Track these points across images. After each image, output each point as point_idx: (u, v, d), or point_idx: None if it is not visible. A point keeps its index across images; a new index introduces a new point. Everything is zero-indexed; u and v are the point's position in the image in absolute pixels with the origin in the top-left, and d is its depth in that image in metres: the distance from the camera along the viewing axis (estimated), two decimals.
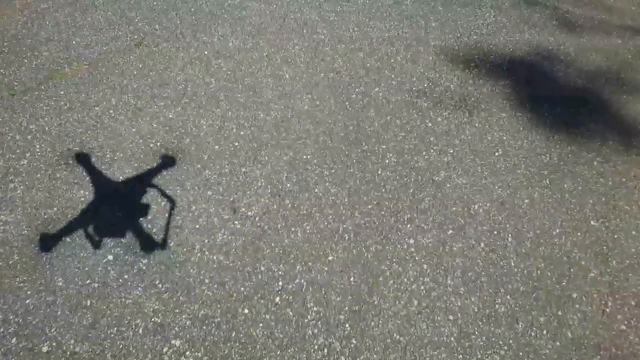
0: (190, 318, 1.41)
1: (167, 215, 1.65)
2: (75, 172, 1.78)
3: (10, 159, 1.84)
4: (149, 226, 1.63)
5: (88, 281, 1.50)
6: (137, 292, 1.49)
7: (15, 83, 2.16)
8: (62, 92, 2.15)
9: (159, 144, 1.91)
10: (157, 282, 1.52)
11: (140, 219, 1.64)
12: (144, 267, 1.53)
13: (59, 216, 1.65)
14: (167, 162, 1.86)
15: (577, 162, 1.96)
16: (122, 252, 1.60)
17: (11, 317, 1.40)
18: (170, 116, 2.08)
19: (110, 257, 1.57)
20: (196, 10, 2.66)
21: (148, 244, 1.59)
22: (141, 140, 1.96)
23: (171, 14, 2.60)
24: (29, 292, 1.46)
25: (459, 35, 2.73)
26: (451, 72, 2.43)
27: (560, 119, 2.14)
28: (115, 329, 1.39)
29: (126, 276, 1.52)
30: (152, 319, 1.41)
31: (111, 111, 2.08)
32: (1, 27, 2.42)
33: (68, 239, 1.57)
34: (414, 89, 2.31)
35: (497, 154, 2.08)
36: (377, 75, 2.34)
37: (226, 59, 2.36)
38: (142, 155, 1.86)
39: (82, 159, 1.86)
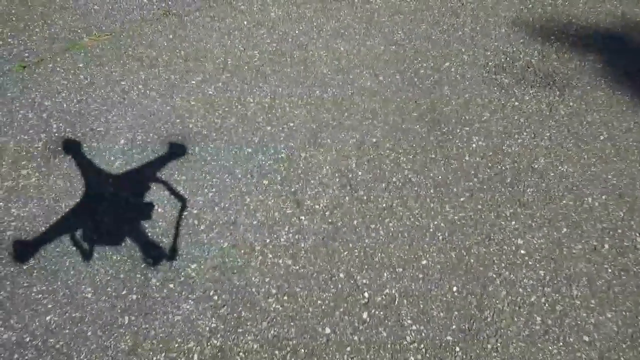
0: (258, 340, 1.10)
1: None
2: (98, 156, 1.48)
3: (22, 140, 1.53)
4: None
5: (124, 292, 1.19)
6: (188, 307, 1.17)
7: (26, 54, 1.85)
8: (81, 65, 1.83)
9: (199, 124, 1.60)
10: (211, 293, 1.20)
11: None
12: (193, 274, 1.22)
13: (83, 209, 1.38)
14: (210, 144, 1.53)
15: None
16: (164, 254, 1.33)
17: (28, 339, 1.09)
18: (210, 92, 1.75)
19: (150, 261, 1.30)
20: None
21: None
22: (178, 120, 1.63)
23: None
24: (49, 306, 1.15)
25: (530, 5, 2.37)
26: (529, 45, 2.09)
27: None
28: (163, 354, 1.08)
29: (172, 285, 1.21)
30: (209, 342, 1.10)
31: (140, 86, 1.75)
32: None
33: (95, 237, 1.29)
34: (490, 63, 1.96)
35: (602, 137, 1.73)
36: (446, 48, 1.99)
37: (269, 30, 2.03)
38: (180, 137, 1.55)
39: (107, 139, 1.53)
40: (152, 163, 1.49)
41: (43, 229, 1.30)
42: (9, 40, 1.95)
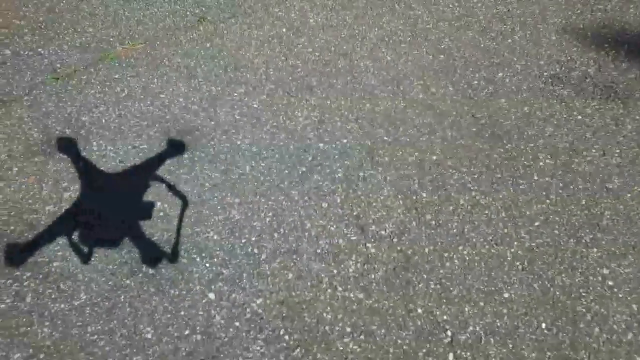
0: None
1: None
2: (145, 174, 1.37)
3: (62, 160, 1.42)
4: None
5: (187, 332, 1.07)
6: (257, 348, 1.05)
7: (58, 65, 1.73)
8: (116, 76, 1.71)
9: (247, 140, 1.49)
10: (281, 332, 1.08)
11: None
12: (259, 310, 1.10)
13: (141, 234, 1.23)
14: (261, 162, 1.40)
15: None
16: (226, 288, 1.18)
17: None
18: (255, 105, 1.64)
19: (212, 296, 1.19)
20: None
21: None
22: (224, 137, 1.52)
23: None
24: (107, 349, 1.03)
25: (578, 11, 2.28)
26: (583, 54, 1.98)
27: None
28: None
29: (237, 323, 1.09)
30: None
31: (181, 99, 1.64)
32: None
33: (151, 272, 1.14)
34: (545, 74, 1.86)
35: None
36: (496, 57, 1.88)
37: (310, 38, 1.92)
38: (229, 155, 1.43)
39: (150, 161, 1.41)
40: (201, 184, 1.35)
41: (95, 261, 1.19)
42: (39, 50, 1.84)
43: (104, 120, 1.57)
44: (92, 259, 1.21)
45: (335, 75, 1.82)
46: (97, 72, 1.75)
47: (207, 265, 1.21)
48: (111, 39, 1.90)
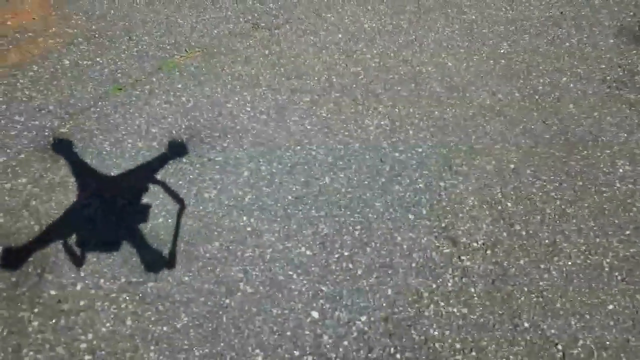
0: None
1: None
2: (226, 190, 1.31)
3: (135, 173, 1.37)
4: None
5: (297, 352, 1.03)
6: None
7: (119, 74, 1.69)
8: (179, 86, 1.67)
9: (322, 151, 1.46)
10: (392, 351, 1.04)
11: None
12: (365, 328, 1.06)
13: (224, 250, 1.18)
14: (340, 174, 1.36)
15: None
16: (328, 305, 1.13)
17: None
18: (324, 114, 1.61)
19: (316, 315, 1.11)
20: None
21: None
22: (298, 147, 1.49)
23: None
24: None
25: (632, 13, 2.24)
26: None
27: None
28: None
29: (346, 342, 1.05)
30: None
31: (248, 108, 1.60)
32: (85, 7, 1.96)
33: (250, 290, 1.11)
34: (608, 77, 1.83)
35: None
36: (557, 62, 1.86)
37: (367, 44, 1.89)
38: (307, 167, 1.40)
39: (229, 171, 1.34)
40: (284, 197, 1.32)
41: (204, 287, 1.14)
42: (97, 59, 1.79)
43: (173, 132, 1.53)
44: (188, 278, 1.16)
45: (399, 82, 1.79)
46: (159, 81, 1.71)
47: (305, 282, 1.17)
48: (167, 47, 1.85)
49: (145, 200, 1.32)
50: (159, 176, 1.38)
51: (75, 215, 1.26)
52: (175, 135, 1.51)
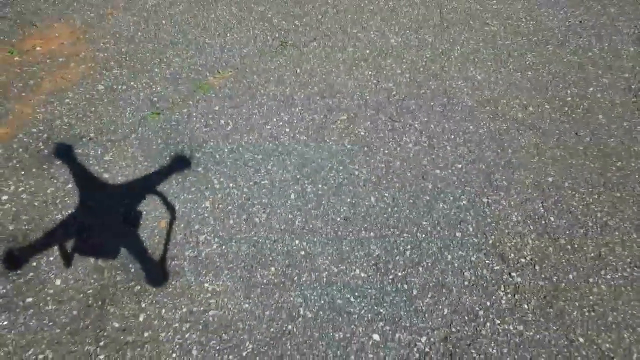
0: None
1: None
2: (275, 214, 1.33)
3: (189, 200, 1.37)
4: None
5: None
6: None
7: (155, 98, 1.70)
8: (216, 108, 1.68)
9: (364, 170, 1.48)
10: None
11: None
12: (426, 349, 1.09)
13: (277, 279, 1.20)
14: (385, 193, 1.37)
15: None
16: (387, 327, 1.16)
17: None
18: (362, 133, 1.62)
19: (377, 337, 1.15)
20: (335, 2, 2.14)
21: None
22: (341, 167, 1.50)
23: (307, 6, 2.11)
24: None
25: None
26: None
27: None
28: None
29: None
30: None
31: (287, 129, 1.62)
32: (112, 29, 1.96)
33: (310, 315, 1.13)
34: (633, 86, 1.87)
35: None
36: (582, 72, 1.90)
37: (396, 59, 1.92)
38: (351, 187, 1.42)
39: (277, 194, 1.35)
40: (332, 219, 1.33)
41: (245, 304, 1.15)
42: (132, 83, 1.79)
43: (217, 156, 1.55)
44: (248, 305, 1.17)
45: (431, 97, 1.82)
46: (196, 104, 1.72)
47: (363, 304, 1.20)
48: (200, 68, 1.86)
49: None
50: (208, 204, 1.35)
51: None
52: (219, 159, 1.51)
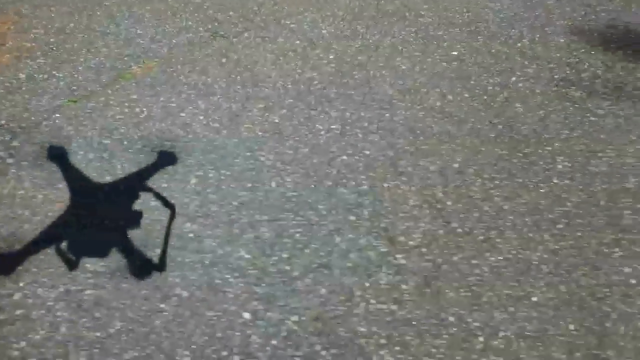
0: None
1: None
2: (174, 199, 1.34)
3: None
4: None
5: (225, 353, 1.05)
6: None
7: (74, 87, 1.75)
8: (134, 96, 1.74)
9: (271, 156, 1.51)
10: (317, 348, 1.09)
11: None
12: (295, 327, 1.11)
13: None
14: (287, 178, 1.40)
15: None
16: (261, 307, 1.18)
17: None
18: (277, 121, 1.67)
19: (248, 316, 1.14)
20: None
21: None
22: (248, 153, 1.55)
23: None
24: None
25: (583, 12, 2.31)
26: (591, 55, 2.02)
27: None
28: None
29: (275, 342, 1.09)
30: None
31: (201, 117, 1.66)
32: (43, 19, 1.99)
33: (186, 294, 1.15)
34: (555, 76, 1.90)
35: None
36: (508, 62, 1.93)
37: (324, 50, 1.96)
38: (255, 173, 1.45)
39: (177, 179, 1.39)
40: (229, 203, 1.34)
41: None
42: (54, 72, 1.85)
43: (125, 142, 1.59)
44: (126, 284, 1.21)
45: (353, 87, 1.86)
46: (115, 92, 1.77)
47: (241, 285, 1.22)
48: (125, 58, 1.92)
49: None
50: (107, 188, 1.40)
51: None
52: (125, 145, 1.55)
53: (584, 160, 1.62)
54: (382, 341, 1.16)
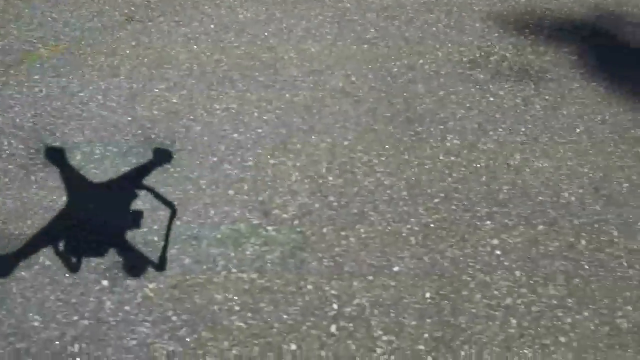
0: None
1: (166, 224, 1.27)
2: (54, 174, 1.40)
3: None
4: (144, 239, 1.25)
5: (75, 317, 1.11)
6: (144, 330, 1.09)
7: None
8: (36, 77, 1.73)
9: (162, 134, 1.54)
10: (170, 314, 1.13)
11: (132, 230, 1.27)
12: (151, 294, 1.15)
13: (33, 230, 1.27)
14: (174, 155, 1.46)
15: None
16: (120, 274, 1.21)
17: None
18: (175, 100, 1.67)
19: (106, 283, 1.20)
20: None
21: (141, 265, 1.21)
22: (139, 131, 1.56)
23: None
24: None
25: None
26: (504, 39, 2.05)
27: None
28: None
29: (127, 308, 1.13)
30: None
31: (99, 97, 1.67)
32: None
33: (48, 263, 1.19)
34: (464, 59, 1.92)
35: (577, 130, 1.68)
36: (419, 45, 1.95)
37: (238, 34, 1.96)
38: (141, 149, 1.49)
39: (60, 156, 1.48)
40: (109, 177, 1.38)
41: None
42: None
43: (17, 120, 1.59)
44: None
45: (259, 69, 1.87)
46: (17, 74, 1.77)
47: (106, 256, 1.23)
48: (34, 41, 1.92)
49: None
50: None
51: None
52: (17, 123, 1.54)
53: (474, 138, 1.65)
54: (236, 308, 1.19)
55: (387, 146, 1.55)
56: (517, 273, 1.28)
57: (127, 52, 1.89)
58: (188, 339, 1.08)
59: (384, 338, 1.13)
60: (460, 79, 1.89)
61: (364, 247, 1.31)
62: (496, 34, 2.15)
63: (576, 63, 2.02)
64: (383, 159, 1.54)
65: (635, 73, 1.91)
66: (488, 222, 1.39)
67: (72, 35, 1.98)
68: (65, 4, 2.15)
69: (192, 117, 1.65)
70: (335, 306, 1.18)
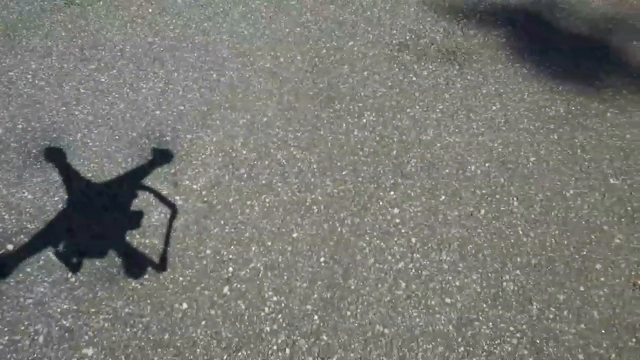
0: (110, 319, 1.10)
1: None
2: None
3: None
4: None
5: None
6: (42, 289, 1.15)
7: None
8: None
9: (86, 111, 1.58)
10: (69, 275, 1.19)
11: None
12: (54, 258, 1.19)
13: None
14: (94, 130, 1.48)
15: (588, 114, 1.69)
16: (27, 239, 1.25)
17: None
18: (103, 80, 1.71)
19: (11, 247, 1.23)
20: None
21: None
22: (64, 108, 1.60)
23: None
24: None
25: None
26: (436, 23, 2.11)
27: (565, 69, 1.86)
28: (6, 337, 1.06)
29: (29, 269, 1.19)
30: (59, 323, 1.10)
31: (29, 76, 1.71)
32: None
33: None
34: (394, 42, 1.97)
35: (494, 108, 1.75)
36: (352, 28, 2.00)
37: (174, 17, 2.00)
38: (64, 125, 1.52)
39: None
40: (29, 150, 1.41)
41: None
42: None
43: None
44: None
45: (190, 50, 1.91)
46: None
47: (14, 221, 1.25)
48: None
49: None
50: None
51: None
52: None
53: (390, 115, 1.71)
54: (134, 270, 1.28)
55: (304, 123, 1.61)
56: (413, 240, 1.35)
57: (63, 34, 1.94)
58: (84, 298, 1.13)
59: (274, 298, 1.20)
60: (387, 60, 1.94)
61: (267, 215, 1.37)
62: (429, 18, 2.20)
63: (504, 46, 2.08)
64: (299, 134, 1.60)
65: (561, 56, 1.96)
66: (392, 192, 1.46)
67: (9, 18, 2.02)
68: None
69: (117, 95, 1.70)
70: (230, 269, 1.25)
